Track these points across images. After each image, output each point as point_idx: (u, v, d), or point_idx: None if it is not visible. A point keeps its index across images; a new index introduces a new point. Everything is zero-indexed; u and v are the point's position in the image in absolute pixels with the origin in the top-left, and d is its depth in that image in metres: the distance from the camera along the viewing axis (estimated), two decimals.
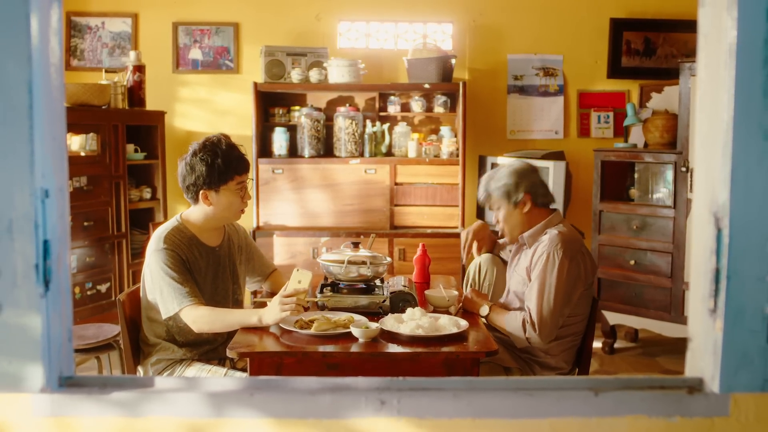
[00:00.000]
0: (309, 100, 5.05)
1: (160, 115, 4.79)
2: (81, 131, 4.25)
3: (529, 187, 2.65)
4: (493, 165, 4.67)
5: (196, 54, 5.14)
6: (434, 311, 2.64)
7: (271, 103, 5.01)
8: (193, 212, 2.63)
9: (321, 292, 2.64)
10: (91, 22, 5.12)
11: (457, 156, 4.76)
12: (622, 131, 5.14)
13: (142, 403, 1.18)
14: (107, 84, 4.45)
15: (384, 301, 2.57)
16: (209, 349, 2.64)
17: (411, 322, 2.32)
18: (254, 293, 3.06)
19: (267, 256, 3.25)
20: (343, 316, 2.42)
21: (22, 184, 1.11)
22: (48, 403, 1.17)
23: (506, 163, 2.74)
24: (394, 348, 2.23)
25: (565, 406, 1.20)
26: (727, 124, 1.12)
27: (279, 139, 4.81)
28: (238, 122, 5.06)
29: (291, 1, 5.09)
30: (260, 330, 2.39)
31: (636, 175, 4.57)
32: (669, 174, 4.30)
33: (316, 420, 1.19)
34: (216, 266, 2.66)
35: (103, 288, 4.38)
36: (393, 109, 4.98)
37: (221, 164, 2.53)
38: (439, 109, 4.96)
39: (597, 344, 4.53)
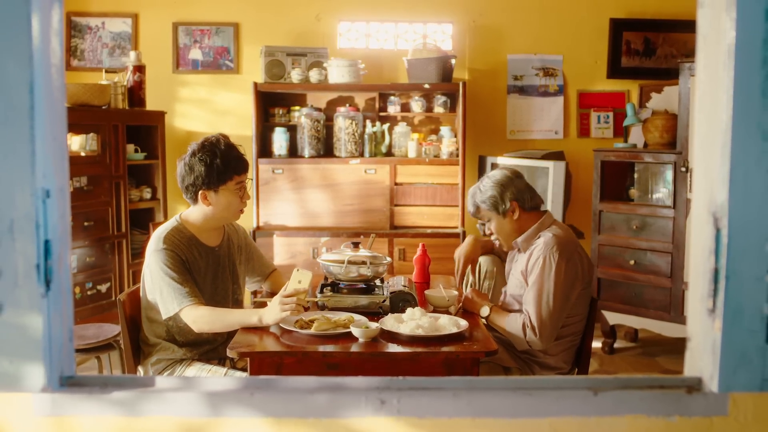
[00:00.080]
0: (309, 100, 5.05)
1: (160, 115, 4.79)
2: (81, 131, 4.25)
3: (514, 194, 2.66)
4: (493, 165, 4.67)
5: (196, 54, 5.14)
6: (434, 311, 2.64)
7: (271, 103, 5.01)
8: (192, 212, 2.63)
9: (321, 292, 2.65)
10: (91, 22, 5.12)
11: (457, 156, 4.76)
12: (621, 131, 5.15)
13: (142, 403, 1.19)
14: (107, 84, 4.45)
15: (384, 301, 2.57)
16: (209, 349, 2.64)
17: (411, 322, 2.32)
18: (254, 293, 3.07)
19: (267, 256, 3.26)
20: (343, 316, 2.42)
21: (23, 185, 1.11)
22: (49, 403, 1.18)
23: (489, 174, 2.75)
24: (394, 348, 2.24)
25: (565, 405, 1.20)
26: (726, 124, 1.12)
27: (279, 139, 4.81)
28: (238, 122, 5.06)
29: (291, 1, 5.09)
30: (260, 330, 2.40)
31: (636, 175, 4.57)
32: (669, 174, 4.30)
33: (315, 419, 1.19)
34: (216, 266, 2.67)
35: (103, 288, 4.39)
36: (393, 109, 4.98)
37: (220, 164, 2.54)
38: (439, 109, 4.96)
39: (597, 344, 4.53)
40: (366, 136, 4.79)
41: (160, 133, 4.78)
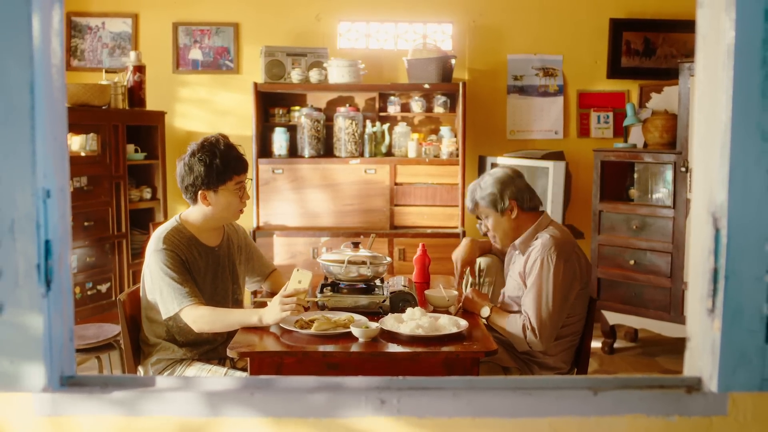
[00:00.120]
0: (309, 101, 5.05)
1: (160, 116, 4.79)
2: (81, 131, 4.25)
3: (514, 193, 2.66)
4: (493, 165, 4.67)
5: (196, 54, 5.14)
6: (434, 311, 2.64)
7: (271, 104, 5.01)
8: (192, 212, 2.63)
9: (321, 292, 2.65)
10: (91, 22, 5.12)
11: (457, 156, 4.77)
12: (621, 131, 5.15)
13: (142, 403, 1.19)
14: (107, 84, 4.46)
15: (384, 301, 2.58)
16: (209, 348, 2.65)
17: (411, 321, 2.32)
18: (254, 293, 3.07)
19: (267, 256, 3.26)
20: (343, 315, 2.43)
21: (23, 185, 1.11)
22: (49, 403, 1.18)
23: (490, 172, 2.75)
24: (394, 348, 2.24)
25: (565, 405, 1.20)
26: (725, 124, 1.13)
27: (279, 140, 4.81)
28: (238, 122, 5.06)
29: (291, 1, 5.09)
30: (260, 330, 2.40)
31: (636, 175, 4.57)
32: (668, 174, 4.30)
33: (315, 419, 1.19)
34: (215, 266, 2.67)
35: (103, 288, 4.39)
36: (393, 109, 4.98)
37: (219, 164, 2.54)
38: (439, 110, 4.97)
39: (597, 344, 4.54)
40: (366, 136, 4.79)
41: (160, 133, 4.78)
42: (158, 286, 2.48)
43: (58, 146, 1.17)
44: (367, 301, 2.58)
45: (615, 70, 5.19)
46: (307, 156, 4.80)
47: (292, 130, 4.92)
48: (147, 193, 4.76)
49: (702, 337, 1.19)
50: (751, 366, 1.15)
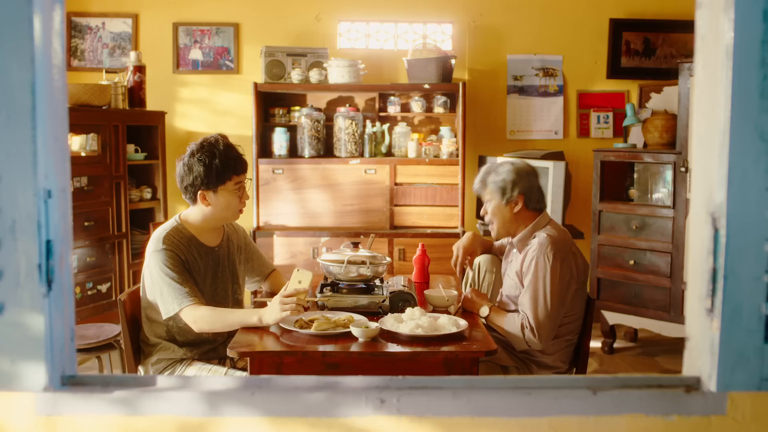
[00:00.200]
0: (309, 101, 5.06)
1: (160, 116, 4.80)
2: (81, 131, 4.25)
3: (525, 188, 2.66)
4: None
5: (196, 54, 5.15)
6: (434, 311, 2.65)
7: (272, 104, 5.02)
8: (191, 213, 2.64)
9: (321, 291, 2.65)
10: (91, 22, 5.13)
11: (457, 156, 4.77)
12: (621, 131, 5.15)
13: (143, 402, 1.19)
14: (108, 84, 4.46)
15: (384, 300, 2.58)
16: (209, 348, 2.65)
17: (410, 321, 2.33)
18: (254, 293, 3.07)
19: (267, 256, 3.26)
20: (343, 315, 2.43)
21: (25, 185, 1.12)
22: (51, 402, 1.18)
23: (510, 160, 2.75)
24: (393, 347, 2.24)
25: (564, 404, 1.20)
26: (724, 125, 1.13)
27: (279, 140, 4.82)
28: (238, 122, 5.07)
29: (291, 1, 5.10)
30: (260, 330, 2.40)
31: (635, 176, 4.57)
32: (668, 174, 4.30)
33: (315, 419, 1.20)
34: (215, 266, 2.67)
35: (103, 288, 4.39)
36: (393, 109, 4.99)
37: (219, 165, 2.54)
38: (438, 110, 4.97)
39: (596, 344, 4.54)
40: (366, 137, 4.79)
41: (161, 133, 4.78)
42: (158, 286, 2.48)
43: (59, 146, 1.17)
44: (367, 301, 2.59)
45: (615, 71, 5.20)
46: (307, 156, 4.80)
47: (292, 130, 4.92)
48: (147, 193, 4.76)
49: (701, 336, 1.20)
50: (749, 366, 1.16)
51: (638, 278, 4.37)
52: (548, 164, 4.49)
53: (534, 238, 2.63)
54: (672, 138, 4.36)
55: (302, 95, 5.08)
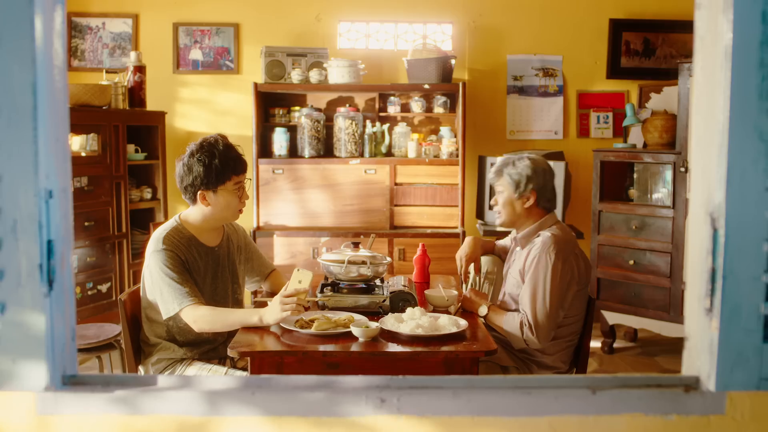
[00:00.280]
0: (309, 101, 5.06)
1: (160, 116, 4.80)
2: (82, 131, 4.26)
3: (539, 185, 2.67)
4: (493, 165, 4.67)
5: (196, 54, 5.15)
6: (434, 311, 2.65)
7: (272, 104, 5.02)
8: (191, 213, 2.64)
9: (321, 291, 2.66)
10: (91, 22, 5.13)
11: (457, 156, 4.77)
12: (621, 131, 5.16)
13: (144, 401, 1.20)
14: (108, 84, 4.46)
15: (384, 300, 2.58)
16: (209, 348, 2.65)
17: (411, 321, 2.33)
18: (254, 293, 3.07)
19: (267, 256, 3.26)
20: (344, 315, 2.43)
21: (26, 185, 1.12)
22: (51, 402, 1.19)
23: (530, 155, 2.75)
24: (394, 347, 2.24)
25: (564, 404, 1.21)
26: (723, 125, 1.13)
27: (279, 140, 4.82)
28: (238, 123, 5.07)
29: (291, 1, 5.10)
30: (261, 329, 2.40)
31: (635, 176, 4.58)
32: (668, 174, 4.31)
33: (316, 418, 1.20)
34: (215, 266, 2.67)
35: (104, 288, 4.39)
36: (393, 109, 4.99)
37: (218, 165, 2.54)
38: (438, 110, 4.97)
39: (596, 344, 4.54)
40: (366, 137, 4.80)
41: (161, 133, 4.79)
42: (158, 286, 2.48)
43: (60, 147, 1.17)
44: (367, 301, 2.59)
45: (614, 71, 5.20)
46: (307, 156, 4.81)
47: (292, 130, 4.92)
48: (147, 193, 4.77)
49: (700, 336, 1.20)
50: (748, 365, 1.16)
51: (638, 278, 4.37)
52: None
53: (538, 236, 2.63)
54: (672, 138, 4.36)
55: (302, 95, 5.09)
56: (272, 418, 1.20)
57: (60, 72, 1.17)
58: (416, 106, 4.98)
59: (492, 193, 2.83)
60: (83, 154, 4.25)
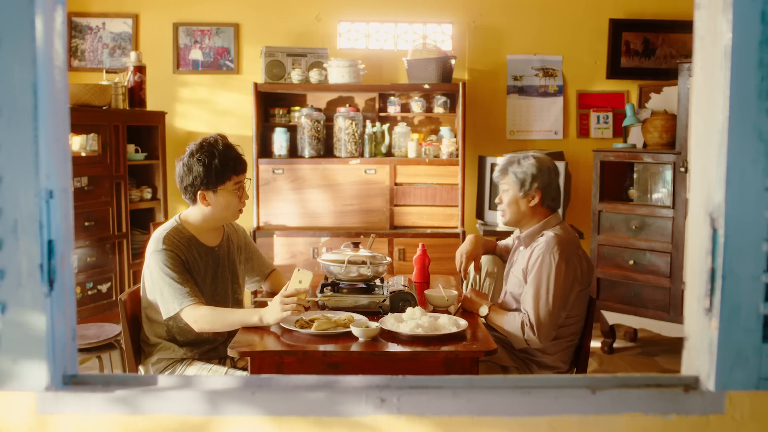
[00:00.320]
0: (309, 101, 5.06)
1: (160, 116, 4.80)
2: (82, 132, 4.26)
3: (544, 185, 2.67)
4: (493, 165, 4.68)
5: (196, 54, 5.15)
6: (434, 311, 2.65)
7: (272, 104, 5.02)
8: (191, 213, 2.64)
9: (321, 291, 2.66)
10: (91, 22, 5.13)
11: (457, 156, 4.77)
12: (621, 131, 5.16)
13: (145, 401, 1.20)
14: (108, 84, 4.46)
15: (384, 300, 2.58)
16: (210, 348, 2.65)
17: (411, 321, 2.33)
18: (254, 293, 3.07)
19: (267, 256, 3.26)
20: (344, 315, 2.44)
21: (27, 185, 1.12)
22: (52, 401, 1.19)
23: (535, 154, 2.75)
24: (393, 347, 2.25)
25: (563, 403, 1.21)
26: (722, 125, 1.14)
27: (279, 140, 4.82)
28: (238, 123, 5.07)
29: (291, 1, 5.10)
30: (261, 329, 2.41)
31: (635, 176, 4.58)
32: (668, 174, 4.31)
33: (316, 417, 1.20)
34: (215, 266, 2.68)
35: (104, 288, 4.40)
36: (393, 109, 4.99)
37: (218, 165, 2.54)
38: (438, 110, 4.97)
39: (596, 344, 4.54)
40: (366, 137, 4.80)
41: (161, 133, 4.79)
42: (158, 286, 2.48)
43: (60, 147, 1.17)
44: (367, 301, 2.59)
45: (614, 71, 5.20)
46: (307, 156, 4.81)
47: (292, 130, 4.93)
48: (147, 193, 4.77)
49: (699, 336, 1.20)
50: (747, 365, 1.16)
51: (638, 278, 4.38)
52: None
53: (542, 236, 2.63)
54: (671, 138, 4.36)
55: (302, 95, 5.09)
56: (272, 418, 1.20)
57: (60, 72, 1.17)
58: (416, 106, 4.98)
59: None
60: (83, 154, 4.25)
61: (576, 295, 2.60)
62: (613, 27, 5.16)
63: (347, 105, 4.93)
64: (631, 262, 4.39)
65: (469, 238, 3.02)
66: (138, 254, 4.49)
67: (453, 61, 4.81)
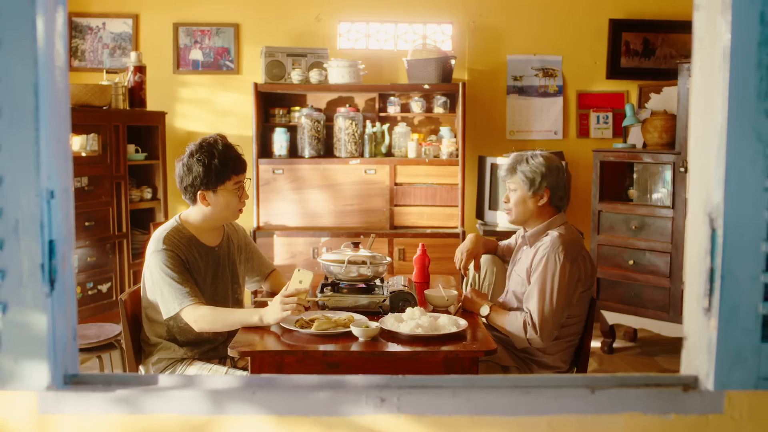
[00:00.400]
0: (309, 101, 5.06)
1: (160, 116, 4.81)
2: (82, 132, 4.26)
3: (553, 183, 2.66)
4: (493, 165, 4.69)
5: (196, 55, 5.16)
6: (434, 311, 2.66)
7: (272, 104, 5.02)
8: (191, 213, 2.65)
9: (321, 291, 2.66)
10: (92, 22, 5.14)
11: (457, 156, 4.78)
12: (621, 132, 5.16)
13: (145, 401, 1.20)
14: (108, 85, 4.47)
15: (384, 300, 2.59)
16: (210, 348, 2.66)
17: (410, 321, 2.34)
18: (254, 293, 3.07)
19: (267, 256, 3.26)
20: (344, 315, 2.44)
21: (28, 186, 1.13)
22: (53, 401, 1.19)
23: (542, 152, 2.74)
24: (393, 347, 2.25)
25: (563, 403, 1.21)
26: (721, 126, 1.14)
27: (279, 140, 4.83)
28: (238, 123, 5.08)
29: (291, 2, 5.10)
30: (261, 329, 2.41)
31: (635, 176, 4.58)
32: (668, 174, 4.31)
33: (316, 417, 1.20)
34: (215, 266, 2.68)
35: (104, 288, 4.40)
36: (393, 109, 5.00)
37: (218, 165, 2.55)
38: (438, 110, 4.98)
39: (596, 344, 4.55)
40: (366, 137, 4.80)
41: (161, 133, 4.79)
42: (159, 286, 2.49)
43: (61, 147, 1.18)
44: (367, 301, 2.60)
45: (614, 71, 5.21)
46: (307, 156, 4.81)
47: (292, 130, 4.93)
48: (147, 194, 4.77)
49: (698, 336, 1.20)
50: (746, 365, 1.16)
51: (638, 278, 4.38)
52: None
53: (546, 235, 2.63)
54: (671, 138, 4.36)
55: (302, 95, 5.09)
56: (274, 417, 1.20)
57: (62, 72, 1.18)
58: (416, 106, 4.99)
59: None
60: (83, 154, 4.25)
61: (578, 296, 2.60)
62: (613, 27, 5.16)
63: (347, 105, 4.94)
64: (631, 262, 4.40)
65: (469, 236, 3.02)
66: (138, 254, 4.50)
67: (453, 61, 4.82)
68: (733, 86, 1.12)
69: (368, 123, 4.85)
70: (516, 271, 2.74)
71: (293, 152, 4.91)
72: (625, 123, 4.72)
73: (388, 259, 2.79)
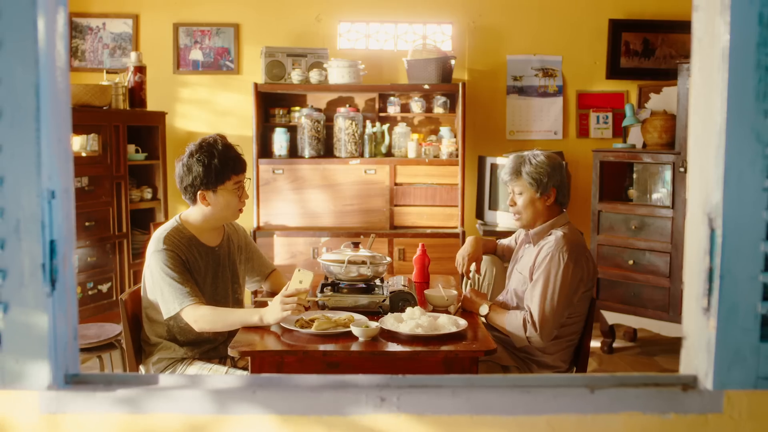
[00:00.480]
0: (309, 101, 5.07)
1: (160, 116, 4.81)
2: (82, 132, 4.27)
3: (559, 182, 2.67)
4: (493, 165, 4.69)
5: (196, 55, 5.16)
6: (433, 311, 2.66)
7: (272, 104, 5.03)
8: (191, 213, 2.65)
9: (321, 291, 2.66)
10: (92, 22, 5.14)
11: (457, 156, 4.78)
12: (620, 132, 5.17)
13: (146, 400, 1.20)
14: (108, 85, 4.47)
15: (384, 300, 2.59)
16: (210, 348, 2.66)
17: (410, 321, 2.34)
18: (255, 293, 3.08)
19: (267, 256, 3.27)
20: (344, 315, 2.44)
21: (29, 186, 1.13)
22: (54, 400, 1.19)
23: (542, 152, 2.73)
24: (393, 347, 2.25)
25: (562, 402, 1.22)
26: (720, 126, 1.14)
27: (279, 140, 4.83)
28: (238, 123, 5.08)
29: (291, 2, 5.11)
30: (261, 329, 2.41)
31: (635, 176, 4.59)
32: (667, 174, 4.31)
33: (317, 416, 1.21)
34: (216, 266, 2.68)
35: (104, 288, 4.40)
36: (393, 109, 5.00)
37: (218, 164, 2.55)
38: (438, 110, 4.98)
39: (596, 344, 4.55)
40: (366, 137, 4.81)
41: (161, 133, 4.79)
42: (159, 286, 2.49)
43: (62, 148, 1.18)
44: (367, 301, 2.60)
45: (614, 71, 5.21)
46: (307, 156, 4.82)
47: (292, 130, 4.93)
48: (148, 194, 4.78)
49: (697, 335, 1.21)
50: (746, 364, 1.17)
51: (637, 278, 4.38)
52: None
53: (551, 234, 2.64)
54: (671, 138, 4.37)
55: (302, 95, 5.10)
56: (275, 417, 1.21)
57: (62, 73, 1.18)
58: (416, 106, 4.99)
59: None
60: (84, 155, 4.26)
61: (580, 296, 2.60)
62: (613, 27, 5.16)
63: (347, 105, 4.94)
64: (631, 262, 4.40)
65: (469, 239, 3.02)
66: (138, 254, 4.50)
67: (453, 62, 4.82)
68: (731, 87, 1.13)
69: (368, 123, 4.86)
70: (517, 269, 2.75)
71: (293, 152, 4.92)
72: (624, 123, 4.72)
73: (388, 259, 2.80)
